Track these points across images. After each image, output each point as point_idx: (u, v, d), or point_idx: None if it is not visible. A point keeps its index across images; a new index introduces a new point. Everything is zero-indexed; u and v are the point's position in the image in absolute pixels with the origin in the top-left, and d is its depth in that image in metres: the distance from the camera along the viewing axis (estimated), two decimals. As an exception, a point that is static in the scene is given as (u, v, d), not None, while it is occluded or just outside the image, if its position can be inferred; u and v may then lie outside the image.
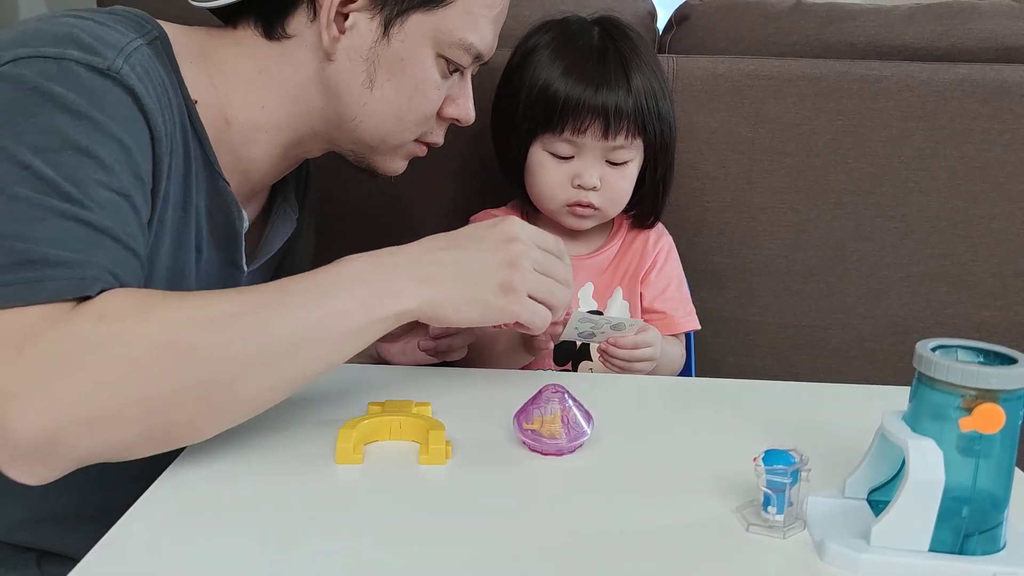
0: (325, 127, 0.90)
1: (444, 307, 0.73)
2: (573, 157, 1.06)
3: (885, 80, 1.27)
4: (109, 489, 0.67)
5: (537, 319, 0.76)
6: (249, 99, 0.86)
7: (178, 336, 0.62)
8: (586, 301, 1.13)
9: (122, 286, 0.66)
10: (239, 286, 0.93)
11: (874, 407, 0.69)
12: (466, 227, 0.79)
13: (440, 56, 0.88)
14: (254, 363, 0.65)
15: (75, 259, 0.63)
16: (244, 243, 0.91)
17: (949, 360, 0.54)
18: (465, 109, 0.95)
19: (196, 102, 0.82)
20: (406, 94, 0.88)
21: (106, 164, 0.68)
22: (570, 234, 1.14)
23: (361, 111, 0.88)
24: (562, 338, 0.94)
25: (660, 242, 1.17)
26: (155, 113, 0.74)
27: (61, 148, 0.66)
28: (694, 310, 1.18)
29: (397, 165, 0.96)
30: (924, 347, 0.57)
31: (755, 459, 0.60)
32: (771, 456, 0.59)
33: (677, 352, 1.14)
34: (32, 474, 0.59)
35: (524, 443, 0.71)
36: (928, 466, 0.54)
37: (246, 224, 0.90)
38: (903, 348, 1.38)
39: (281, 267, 1.05)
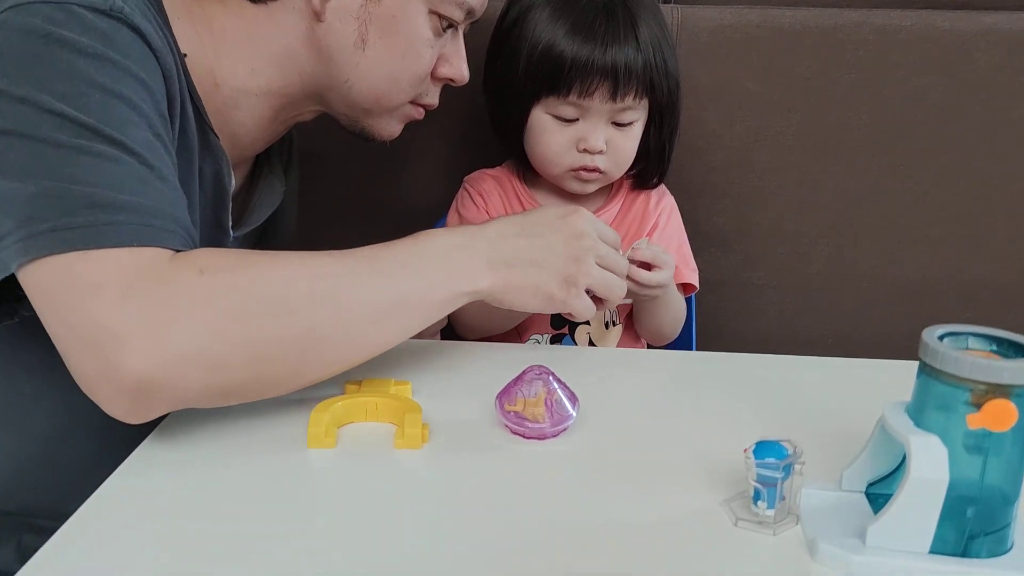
0: (317, 90, 0.87)
1: (511, 293, 0.75)
2: (577, 119, 1.01)
3: (904, 30, 1.20)
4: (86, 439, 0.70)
5: (586, 312, 0.79)
6: (237, 61, 0.83)
7: (279, 290, 0.65)
8: None
9: (186, 228, 0.67)
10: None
11: (881, 384, 0.66)
12: (538, 214, 0.80)
13: (432, 12, 0.84)
14: (346, 326, 0.67)
15: (140, 203, 0.63)
16: (231, 206, 0.88)
17: (957, 351, 0.50)
18: (459, 68, 0.91)
19: (186, 56, 0.78)
20: (399, 53, 0.85)
21: (134, 104, 0.67)
22: (569, 196, 1.09)
23: (353, 72, 0.84)
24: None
25: (662, 202, 1.12)
26: (163, 52, 0.71)
27: (89, 92, 0.65)
28: (696, 269, 1.14)
29: (392, 128, 0.92)
30: (931, 335, 0.52)
31: (746, 451, 0.56)
32: (763, 448, 0.55)
33: (681, 303, 1.10)
34: (131, 412, 0.62)
35: (506, 426, 0.67)
36: (931, 464, 0.50)
37: (233, 184, 0.86)
38: (916, 312, 1.33)
39: (264, 236, 1.02)
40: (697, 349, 1.25)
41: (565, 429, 0.68)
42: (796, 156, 1.27)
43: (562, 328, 1.07)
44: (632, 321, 1.12)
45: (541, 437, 0.67)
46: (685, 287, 1.10)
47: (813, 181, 1.28)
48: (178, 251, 0.64)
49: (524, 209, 1.10)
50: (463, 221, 1.09)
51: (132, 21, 0.68)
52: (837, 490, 0.58)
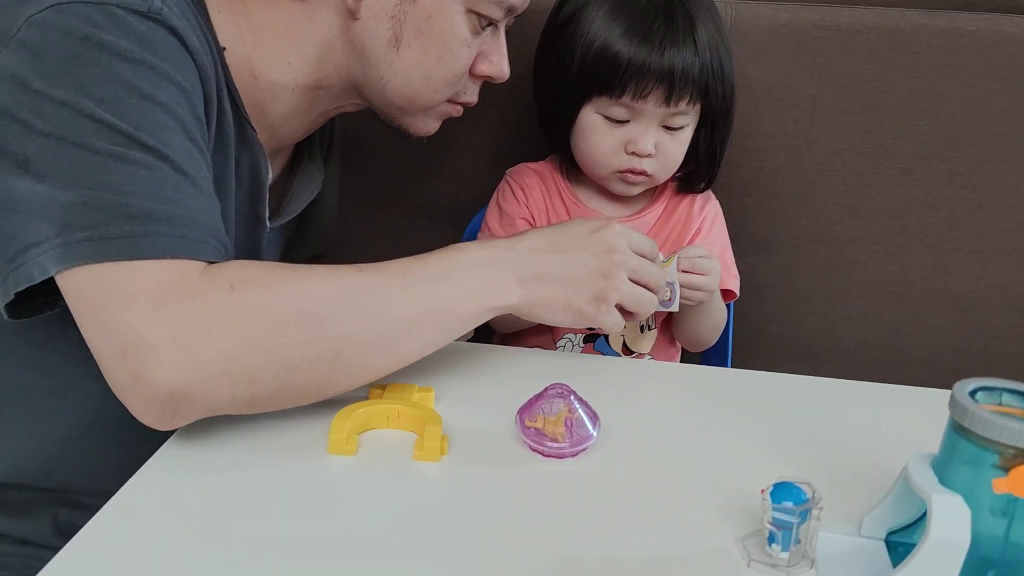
0: (353, 86, 0.87)
1: (540, 308, 0.76)
2: (628, 121, 0.99)
3: (969, 34, 1.16)
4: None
5: (615, 327, 0.79)
6: (275, 55, 0.83)
7: (310, 306, 0.65)
8: None
9: (219, 239, 0.68)
10: (260, 242, 0.90)
11: (919, 416, 0.64)
12: (569, 227, 0.80)
13: (470, 11, 0.83)
14: (376, 340, 0.68)
15: (174, 213, 0.64)
16: (268, 197, 0.88)
17: (987, 412, 0.48)
18: (499, 66, 0.90)
19: (225, 49, 0.79)
20: (434, 53, 0.84)
21: (171, 110, 0.68)
22: (612, 196, 1.07)
23: (388, 71, 0.84)
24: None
25: (707, 207, 1.10)
26: (199, 52, 0.72)
27: (126, 98, 0.65)
28: (738, 276, 1.12)
29: (429, 126, 0.92)
30: (962, 390, 0.51)
31: (763, 491, 0.55)
32: (781, 491, 0.54)
33: (722, 307, 1.08)
34: (160, 420, 0.63)
35: (525, 442, 0.67)
36: (953, 525, 0.48)
37: (270, 176, 0.87)
38: (964, 325, 1.30)
39: (302, 225, 1.02)
40: (735, 352, 1.23)
41: (585, 449, 0.67)
42: (848, 160, 1.24)
43: (596, 328, 1.06)
44: (668, 325, 1.10)
45: (560, 456, 0.66)
46: (725, 293, 1.09)
47: (865, 186, 1.25)
48: (212, 262, 0.65)
49: (565, 207, 1.09)
50: (503, 215, 1.08)
51: (170, 23, 0.68)
52: (856, 535, 0.57)
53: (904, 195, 1.25)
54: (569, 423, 0.66)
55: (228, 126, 0.79)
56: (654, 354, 1.09)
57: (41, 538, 0.84)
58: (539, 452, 0.66)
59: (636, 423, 0.73)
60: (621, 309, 0.79)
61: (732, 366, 1.21)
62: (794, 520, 0.54)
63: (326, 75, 0.85)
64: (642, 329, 1.07)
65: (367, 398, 0.71)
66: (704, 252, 0.98)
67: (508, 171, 1.13)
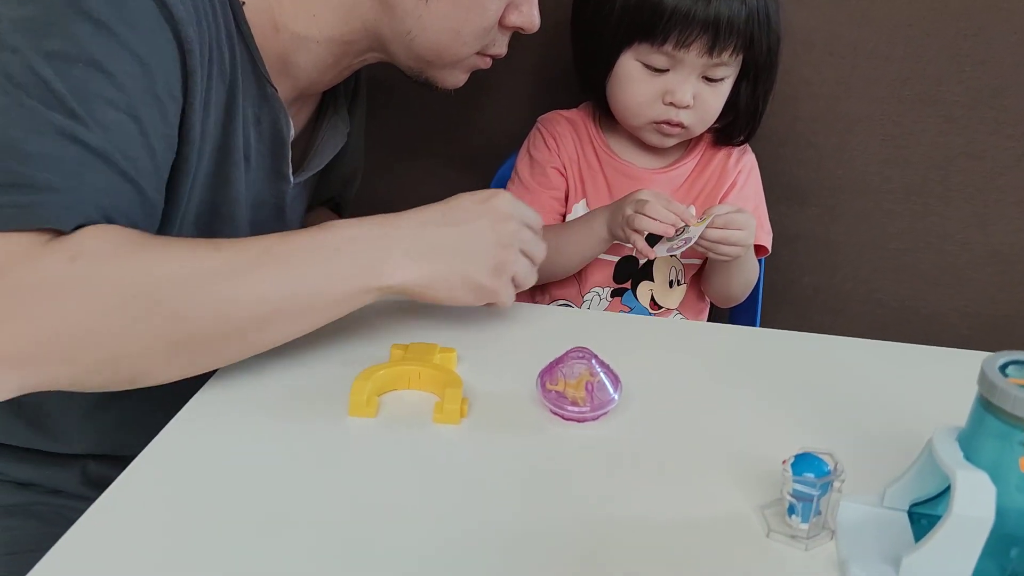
0: (379, 39, 0.85)
1: (436, 287, 0.71)
2: (667, 70, 0.96)
3: (1022, -24, 1.10)
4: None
5: (509, 302, 0.76)
6: (299, 7, 0.81)
7: (147, 288, 0.60)
8: None
9: (107, 218, 0.63)
10: (285, 198, 0.90)
11: (954, 381, 0.62)
12: (459, 200, 0.75)
13: None
14: (223, 331, 0.63)
15: (64, 185, 0.61)
16: (291, 153, 0.88)
17: (1016, 388, 0.47)
18: (530, 16, 0.88)
19: (243, 3, 0.77)
20: (464, 5, 0.82)
21: (118, 81, 0.65)
22: (644, 146, 1.05)
23: (416, 24, 0.82)
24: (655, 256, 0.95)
25: (742, 160, 1.07)
26: (186, 22, 0.68)
27: (75, 59, 0.63)
28: (771, 231, 1.09)
29: (456, 79, 0.90)
30: (991, 364, 0.49)
31: (784, 462, 0.54)
32: (802, 462, 0.54)
33: (754, 264, 1.07)
34: None
35: (545, 405, 0.67)
36: (976, 502, 0.47)
37: (292, 132, 0.86)
38: (1002, 279, 1.27)
39: (325, 179, 1.02)
40: (765, 304, 1.21)
41: (606, 413, 0.67)
42: (888, 108, 1.20)
43: (624, 282, 1.05)
44: (697, 280, 1.09)
45: (581, 420, 0.66)
46: (758, 249, 1.07)
47: (905, 134, 1.21)
48: (70, 232, 0.61)
49: (597, 157, 1.06)
50: (534, 163, 1.07)
51: None
52: (878, 506, 0.56)
53: (946, 144, 1.21)
54: (590, 387, 0.65)
55: (242, 86, 0.78)
56: (682, 310, 1.08)
57: (72, 487, 0.86)
58: (559, 416, 0.66)
59: (659, 386, 0.72)
60: None
61: (761, 318, 1.20)
62: (814, 492, 0.53)
63: (352, 28, 0.83)
64: (671, 284, 1.05)
65: (388, 357, 0.72)
66: (736, 208, 0.96)
67: (539, 119, 1.11)
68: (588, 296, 1.05)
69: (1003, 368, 0.49)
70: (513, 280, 0.76)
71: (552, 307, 0.95)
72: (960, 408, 0.57)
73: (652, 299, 1.05)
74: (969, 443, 0.50)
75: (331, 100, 0.96)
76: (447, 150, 1.33)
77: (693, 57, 0.93)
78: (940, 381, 0.75)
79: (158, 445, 0.62)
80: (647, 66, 0.96)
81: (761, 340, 0.84)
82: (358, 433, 0.64)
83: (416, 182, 1.36)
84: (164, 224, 0.76)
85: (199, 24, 0.70)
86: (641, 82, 0.97)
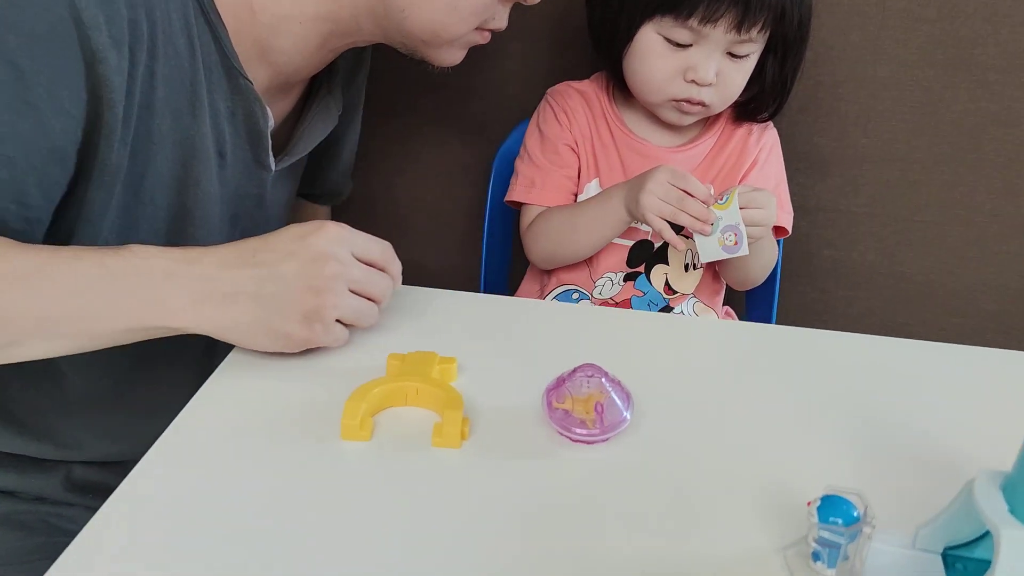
0: (369, 18, 0.79)
1: (234, 333, 0.65)
2: (690, 45, 0.90)
3: (1067, -71, 1.02)
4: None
5: (338, 343, 0.69)
6: None
7: None
8: None
9: None
10: (265, 186, 0.85)
11: (1001, 390, 0.57)
12: (279, 234, 0.67)
13: None
14: None
15: None
16: (271, 141, 0.83)
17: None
18: None
19: None
20: None
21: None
22: (661, 123, 0.99)
23: (409, 3, 0.76)
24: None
25: (764, 137, 1.01)
26: (99, 28, 0.62)
27: None
28: (792, 212, 1.04)
29: (453, 57, 0.85)
30: (1045, 409, 0.44)
31: (809, 504, 0.50)
32: (829, 506, 0.49)
33: (774, 246, 1.01)
34: None
35: (552, 425, 0.62)
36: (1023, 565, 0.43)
37: (271, 123, 0.81)
38: (1035, 253, 1.21)
39: (322, 161, 0.96)
40: (783, 279, 1.16)
41: (617, 434, 0.63)
42: (918, 72, 1.13)
43: (638, 267, 1.00)
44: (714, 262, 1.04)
45: (590, 442, 0.62)
46: (777, 230, 1.01)
47: (935, 101, 1.14)
48: None
49: (611, 133, 1.00)
50: (544, 140, 1.01)
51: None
52: (910, 548, 0.52)
53: (978, 110, 1.14)
54: (599, 408, 0.61)
55: (208, 81, 0.73)
56: (697, 292, 1.03)
57: (55, 494, 0.84)
58: (567, 437, 0.62)
59: (674, 400, 0.68)
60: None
61: (780, 290, 1.14)
62: (842, 540, 0.49)
63: (339, 5, 0.77)
64: (686, 268, 1.00)
65: (385, 368, 0.67)
66: (753, 187, 0.90)
67: (549, 90, 1.04)
68: (600, 282, 1.00)
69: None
70: (346, 322, 0.68)
71: (559, 306, 0.90)
72: (1006, 427, 0.53)
73: (667, 283, 1.00)
74: (1015, 493, 0.46)
75: (324, 80, 0.90)
76: (449, 119, 1.27)
77: (719, 33, 0.87)
78: (983, 390, 0.71)
79: (136, 477, 0.58)
80: (669, 40, 0.90)
81: (781, 339, 0.79)
82: (351, 458, 0.60)
83: (416, 154, 1.31)
84: (133, 227, 0.73)
85: (133, 26, 0.64)
86: (662, 57, 0.91)
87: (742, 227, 0.87)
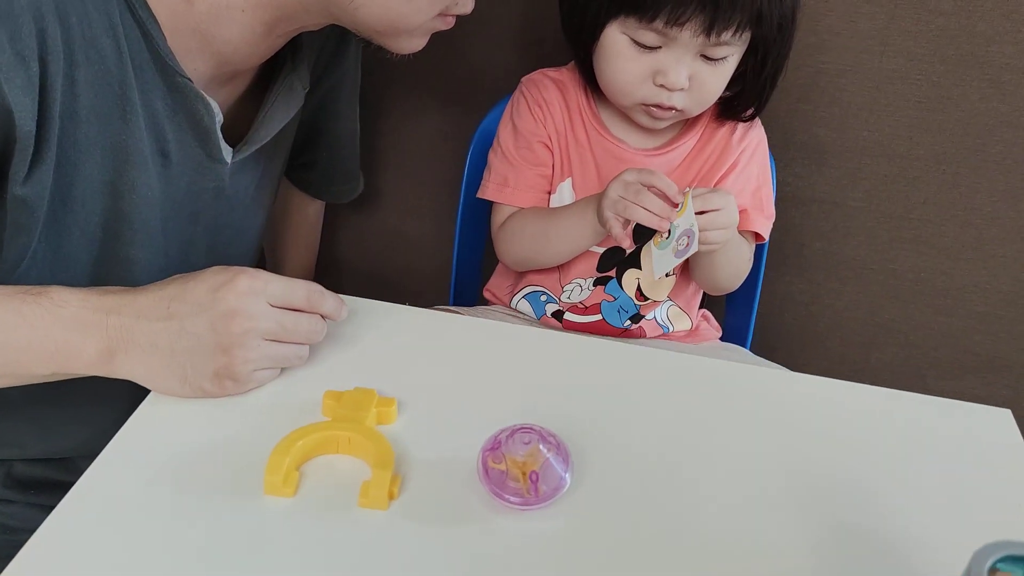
0: (319, 4, 0.72)
1: (152, 383, 0.65)
2: (659, 48, 0.83)
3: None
4: None
5: (261, 384, 0.67)
6: None
7: None
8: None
9: None
10: (224, 179, 0.81)
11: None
12: (196, 282, 0.64)
13: None
14: None
15: None
16: (227, 131, 0.78)
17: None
18: None
19: None
20: None
21: None
22: (639, 125, 0.92)
23: None
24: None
25: (748, 137, 0.95)
26: (2, 48, 0.58)
27: None
28: (773, 216, 0.99)
29: (413, 45, 0.79)
30: (981, 561, 0.41)
31: None
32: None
33: (746, 253, 0.96)
34: None
35: (488, 488, 0.60)
36: None
37: (218, 117, 0.76)
38: (1030, 258, 1.16)
39: (317, 139, 0.97)
40: (770, 268, 1.12)
41: (555, 500, 0.60)
42: (928, 67, 1.06)
43: (608, 270, 0.95)
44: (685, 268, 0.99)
45: (525, 509, 0.59)
46: (755, 234, 0.96)
47: (943, 97, 1.07)
48: None
49: (587, 132, 0.94)
50: (518, 135, 0.95)
51: None
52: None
53: (988, 110, 1.07)
54: (535, 476, 0.58)
55: (140, 82, 0.68)
56: (673, 296, 0.99)
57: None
58: (502, 501, 0.59)
59: (625, 453, 0.65)
60: None
61: (765, 282, 1.10)
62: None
63: None
64: (659, 273, 0.96)
65: (320, 404, 0.65)
66: (711, 188, 0.85)
67: (524, 79, 0.98)
68: (569, 287, 0.96)
69: (993, 566, 0.42)
70: (269, 366, 0.66)
71: (509, 326, 0.85)
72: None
73: (638, 288, 0.96)
74: None
75: (290, 56, 0.84)
76: (429, 87, 1.21)
77: (688, 36, 0.80)
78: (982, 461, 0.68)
79: (36, 543, 0.55)
80: (635, 42, 0.83)
81: (759, 383, 0.75)
82: (272, 516, 0.58)
83: (402, 123, 1.25)
84: (65, 234, 0.70)
85: (43, 36, 0.60)
86: (629, 59, 0.84)
87: (695, 228, 0.82)
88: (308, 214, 1.17)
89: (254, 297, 0.63)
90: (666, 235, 0.83)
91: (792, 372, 0.78)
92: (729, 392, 0.73)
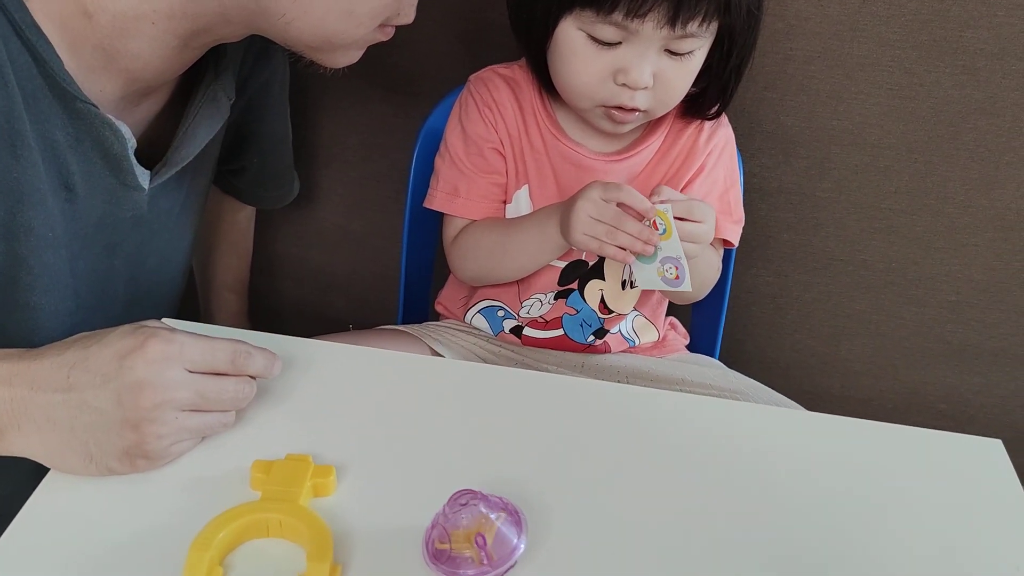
0: (242, 15, 0.65)
1: (54, 462, 0.57)
2: (619, 43, 0.76)
3: None
4: None
5: (181, 454, 0.59)
6: None
7: None
8: None
9: None
10: (142, 206, 0.73)
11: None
12: (101, 347, 0.56)
13: None
14: None
15: None
16: (142, 153, 0.71)
17: None
18: None
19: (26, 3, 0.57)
20: None
21: None
22: (598, 129, 0.85)
23: (293, 6, 0.63)
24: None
25: (715, 138, 0.88)
26: None
27: None
28: (743, 220, 0.93)
29: (349, 58, 0.72)
30: None
31: None
32: None
33: (715, 261, 0.91)
34: None
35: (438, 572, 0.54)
36: None
37: (130, 142, 0.68)
38: (1003, 246, 1.13)
39: (246, 143, 0.90)
40: (737, 263, 1.06)
41: (512, 566, 0.54)
42: (900, 53, 1.00)
43: (571, 283, 0.89)
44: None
45: (481, 582, 0.54)
46: (723, 241, 0.90)
47: (915, 85, 1.02)
48: None
49: (542, 137, 0.86)
50: (467, 139, 0.87)
51: None
52: None
53: (962, 97, 1.02)
54: (481, 541, 0.53)
55: (33, 113, 0.61)
56: (639, 306, 0.93)
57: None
58: (455, 582, 0.54)
59: (584, 505, 0.59)
60: None
61: (735, 271, 1.04)
62: None
63: (200, 2, 0.63)
64: (623, 286, 0.90)
65: (248, 476, 0.58)
66: (692, 198, 0.79)
67: (472, 78, 0.90)
68: (528, 302, 0.90)
69: None
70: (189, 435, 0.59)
71: (461, 368, 0.76)
72: None
73: (602, 301, 0.90)
74: None
75: (212, 64, 0.75)
76: (375, 75, 1.12)
77: (650, 29, 0.73)
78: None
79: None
80: (593, 38, 0.75)
81: (732, 418, 0.69)
82: (195, 619, 0.51)
83: (342, 114, 1.16)
84: None
85: None
86: (586, 58, 0.76)
87: (683, 261, 0.76)
88: (238, 220, 1.09)
89: (167, 364, 0.55)
90: (649, 252, 0.77)
91: (766, 406, 0.72)
92: (699, 430, 0.67)
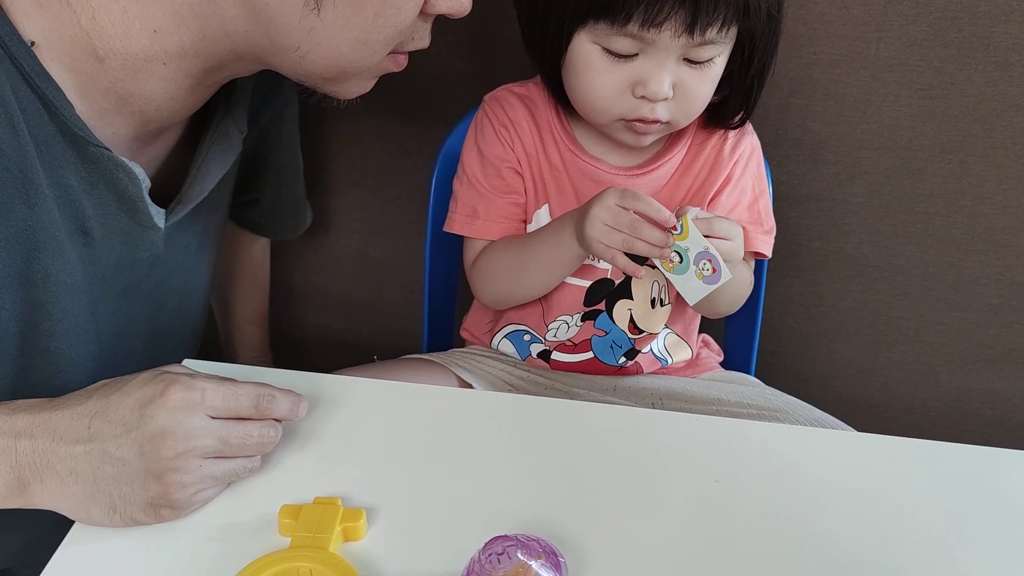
0: (255, 52, 0.64)
1: (76, 514, 0.55)
2: (636, 55, 0.73)
3: None
4: None
5: (204, 504, 0.58)
6: (130, 23, 0.60)
7: None
8: None
9: None
10: (158, 245, 0.72)
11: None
12: (121, 397, 0.55)
13: None
14: None
15: None
16: (158, 191, 0.70)
17: None
18: (458, 1, 0.65)
19: (34, 44, 0.56)
20: (371, 10, 0.61)
21: None
22: (619, 143, 0.83)
23: (306, 40, 0.61)
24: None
25: (740, 146, 0.85)
26: None
27: None
28: (774, 229, 0.90)
29: (362, 88, 0.70)
30: None
31: None
32: None
33: (747, 276, 0.87)
34: None
35: (473, 617, 0.51)
36: None
37: (145, 183, 0.67)
38: (1047, 250, 1.08)
39: (260, 175, 0.89)
40: (771, 271, 1.03)
41: (553, 612, 0.52)
42: (929, 52, 0.97)
43: (597, 303, 0.86)
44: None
45: (517, 639, 0.51)
46: (755, 252, 0.87)
47: (947, 84, 0.99)
48: None
49: (560, 154, 0.84)
50: (484, 161, 0.85)
51: None
52: None
53: (996, 95, 0.99)
54: (523, 598, 0.50)
55: (45, 160, 0.59)
56: (671, 323, 0.90)
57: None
58: (492, 632, 0.51)
59: (630, 545, 0.56)
60: None
61: (767, 282, 1.01)
62: None
63: (213, 41, 0.62)
64: (653, 304, 0.87)
65: (276, 522, 0.56)
66: (715, 215, 0.76)
67: (487, 97, 0.88)
68: (554, 325, 0.87)
69: None
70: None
71: (489, 399, 0.73)
72: None
73: (632, 321, 0.87)
74: None
75: (223, 99, 0.74)
76: (385, 98, 1.10)
77: (667, 38, 0.70)
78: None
79: None
80: (609, 51, 0.73)
81: (776, 442, 0.66)
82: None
83: (358, 140, 1.15)
84: None
85: None
86: (602, 72, 0.74)
87: (713, 250, 0.73)
88: (254, 252, 1.08)
89: (189, 412, 0.54)
90: (678, 260, 0.75)
91: (807, 427, 0.69)
92: (739, 454, 0.64)
